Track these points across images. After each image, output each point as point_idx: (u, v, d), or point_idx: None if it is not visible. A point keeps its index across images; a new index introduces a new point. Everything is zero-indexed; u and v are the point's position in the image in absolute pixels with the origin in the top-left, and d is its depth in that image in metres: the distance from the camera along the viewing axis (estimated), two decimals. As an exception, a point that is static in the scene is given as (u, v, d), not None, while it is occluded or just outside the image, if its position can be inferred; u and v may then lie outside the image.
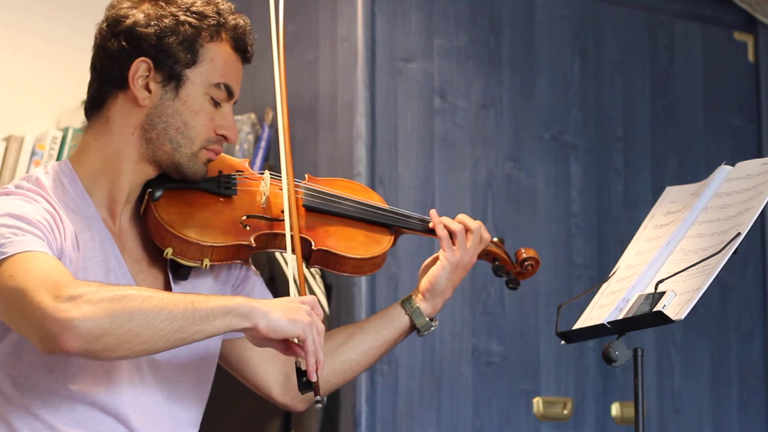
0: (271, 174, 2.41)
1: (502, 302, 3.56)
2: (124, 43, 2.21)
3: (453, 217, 2.55)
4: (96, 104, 2.26)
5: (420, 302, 2.50)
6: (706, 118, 3.99)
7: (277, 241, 2.35)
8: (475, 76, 3.60)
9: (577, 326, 2.48)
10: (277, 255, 3.36)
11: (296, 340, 2.13)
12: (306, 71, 3.57)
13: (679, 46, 3.96)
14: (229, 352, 2.43)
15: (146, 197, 2.27)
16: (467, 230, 2.50)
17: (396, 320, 2.50)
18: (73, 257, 2.16)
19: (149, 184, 2.28)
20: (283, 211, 2.34)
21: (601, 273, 3.64)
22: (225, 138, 2.29)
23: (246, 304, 2.09)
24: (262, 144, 3.58)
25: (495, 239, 2.60)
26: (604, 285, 2.53)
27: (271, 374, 2.44)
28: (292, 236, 2.28)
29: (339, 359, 2.47)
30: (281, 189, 2.37)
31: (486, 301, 3.54)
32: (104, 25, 2.25)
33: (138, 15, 2.21)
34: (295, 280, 2.25)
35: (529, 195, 3.64)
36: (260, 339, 2.12)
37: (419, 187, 3.47)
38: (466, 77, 3.58)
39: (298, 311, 2.12)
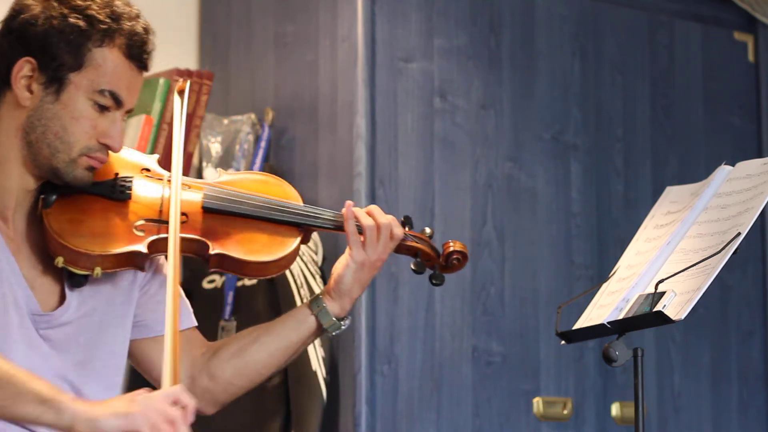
0: (168, 175, 2.33)
1: (502, 302, 3.56)
2: (14, 41, 2.17)
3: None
4: None
5: (327, 302, 2.40)
6: (706, 118, 3.99)
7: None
8: (475, 76, 3.60)
9: (577, 326, 2.48)
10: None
11: None
12: (306, 71, 3.57)
13: (679, 46, 3.96)
14: (135, 351, 2.36)
15: (39, 203, 2.22)
16: (377, 227, 2.39)
17: (303, 321, 2.41)
18: None
19: (42, 191, 2.23)
20: (183, 213, 2.26)
21: (601, 273, 3.63)
22: (108, 147, 2.21)
23: (66, 402, 1.98)
24: (262, 144, 3.58)
25: (426, 230, 2.49)
26: (604, 285, 2.53)
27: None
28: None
29: (243, 360, 2.39)
30: (181, 190, 2.28)
31: (486, 301, 3.54)
32: (2, 20, 2.21)
33: (34, 11, 2.16)
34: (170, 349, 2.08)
35: (529, 195, 3.64)
36: None
37: (419, 187, 3.47)
38: (466, 77, 3.58)
39: (125, 404, 1.99)
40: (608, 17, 3.84)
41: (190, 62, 3.84)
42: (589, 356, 3.66)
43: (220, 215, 2.34)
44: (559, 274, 3.66)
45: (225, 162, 3.56)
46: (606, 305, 2.45)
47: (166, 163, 2.50)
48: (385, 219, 2.41)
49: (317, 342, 3.29)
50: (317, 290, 3.34)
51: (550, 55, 3.73)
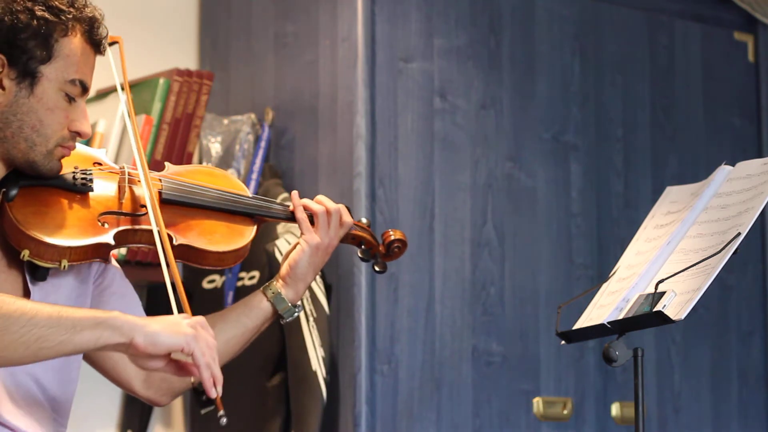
0: (128, 167, 2.36)
1: (502, 302, 3.56)
2: None
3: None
4: None
5: (281, 288, 2.46)
6: (706, 118, 3.99)
7: (138, 236, 2.29)
8: (475, 76, 3.60)
9: (577, 326, 2.48)
10: (277, 254, 3.36)
11: (183, 357, 2.07)
12: (306, 71, 3.57)
13: (679, 46, 3.96)
14: None
15: (0, 197, 2.22)
16: (327, 212, 2.47)
17: (257, 307, 2.46)
18: None
19: (2, 183, 2.23)
20: (142, 206, 2.29)
21: (601, 273, 3.63)
22: (79, 134, 2.24)
23: (120, 318, 2.03)
24: (262, 144, 3.58)
25: (363, 220, 2.57)
26: (604, 285, 2.53)
27: (132, 368, 2.38)
28: (165, 253, 2.21)
29: None
30: (139, 182, 2.31)
31: (486, 301, 3.54)
32: None
33: None
34: (177, 300, 2.17)
35: (529, 195, 3.64)
36: (142, 357, 2.04)
37: (419, 187, 3.47)
38: (466, 77, 3.58)
39: (178, 325, 2.05)
40: (608, 17, 3.84)
41: (190, 62, 3.84)
42: (589, 356, 3.66)
43: (178, 206, 2.37)
44: (559, 274, 3.66)
45: (225, 162, 3.56)
46: (606, 305, 2.45)
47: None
48: (335, 205, 2.49)
49: (317, 342, 3.29)
50: (317, 290, 3.34)
51: (550, 55, 3.73)
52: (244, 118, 3.59)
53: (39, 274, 2.24)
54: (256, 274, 3.43)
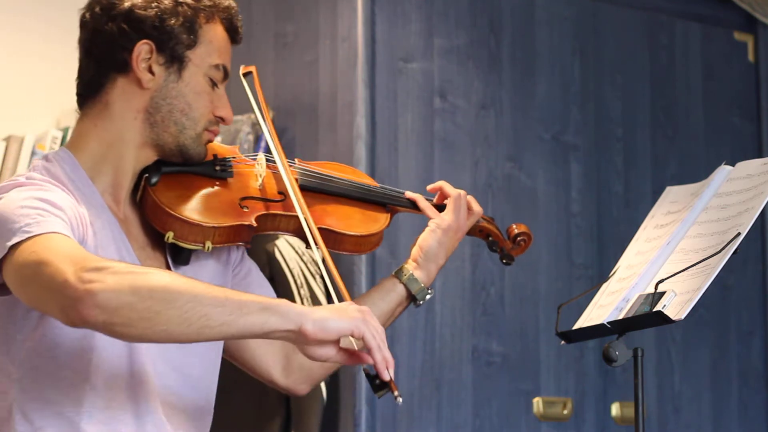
0: (265, 155, 2.39)
1: (502, 302, 3.56)
2: (123, 26, 2.21)
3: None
4: (92, 90, 2.24)
5: (413, 270, 2.46)
6: (706, 118, 3.99)
7: (276, 221, 2.32)
8: (475, 76, 3.60)
9: (577, 326, 2.48)
10: (277, 254, 3.36)
11: (353, 344, 2.07)
12: (306, 71, 3.57)
13: (679, 46, 3.97)
14: None
15: (143, 183, 2.25)
16: (459, 196, 2.50)
17: (391, 290, 2.46)
18: (91, 246, 2.13)
19: (144, 171, 2.26)
20: (280, 192, 2.33)
21: (601, 273, 3.64)
22: (222, 119, 2.28)
23: (287, 304, 2.00)
24: (262, 144, 3.58)
25: (487, 217, 2.60)
26: (604, 285, 2.53)
27: (272, 357, 2.40)
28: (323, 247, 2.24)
29: None
30: (276, 171, 2.35)
31: (486, 301, 3.54)
32: (97, 8, 2.24)
33: None
34: (335, 287, 2.19)
35: (529, 195, 3.64)
36: (311, 344, 2.01)
37: (419, 188, 3.45)
38: (466, 77, 3.58)
39: (346, 310, 2.03)
40: (608, 17, 3.84)
41: (190, 62, 3.84)
42: (589, 356, 3.66)
43: (314, 194, 2.40)
44: (559, 274, 3.66)
45: (225, 162, 3.56)
46: (606, 305, 2.45)
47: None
48: (458, 191, 2.52)
49: (317, 342, 3.28)
50: (317, 290, 3.34)
51: (550, 55, 3.73)
52: (244, 118, 3.59)
53: (182, 257, 2.26)
54: (256, 274, 3.43)
